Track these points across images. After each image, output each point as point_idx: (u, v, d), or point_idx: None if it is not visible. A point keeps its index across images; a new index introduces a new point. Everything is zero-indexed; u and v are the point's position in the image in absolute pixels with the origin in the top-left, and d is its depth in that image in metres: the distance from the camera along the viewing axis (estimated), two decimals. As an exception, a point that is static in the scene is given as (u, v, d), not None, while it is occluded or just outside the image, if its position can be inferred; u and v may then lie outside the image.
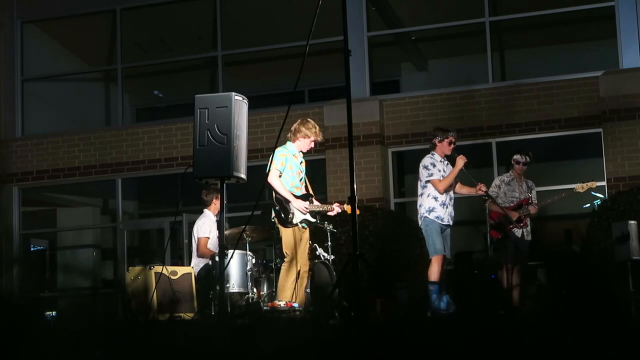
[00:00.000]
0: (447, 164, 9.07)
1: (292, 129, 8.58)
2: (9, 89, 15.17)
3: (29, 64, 15.44)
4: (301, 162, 8.55)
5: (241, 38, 15.09)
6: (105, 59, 15.86)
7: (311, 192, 8.63)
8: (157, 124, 14.69)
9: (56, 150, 14.77)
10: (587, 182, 9.46)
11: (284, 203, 8.31)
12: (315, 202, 8.59)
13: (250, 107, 6.46)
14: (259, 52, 15.18)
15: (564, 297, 3.32)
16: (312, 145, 8.58)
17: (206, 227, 9.74)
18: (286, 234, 8.36)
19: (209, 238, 9.70)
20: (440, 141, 9.06)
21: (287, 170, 8.41)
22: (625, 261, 9.76)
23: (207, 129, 6.19)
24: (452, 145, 9.04)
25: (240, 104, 6.32)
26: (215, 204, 9.77)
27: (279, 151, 8.35)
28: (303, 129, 8.49)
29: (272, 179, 8.25)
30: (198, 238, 9.74)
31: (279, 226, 8.40)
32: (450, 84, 13.66)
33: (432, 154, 9.07)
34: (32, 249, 16.07)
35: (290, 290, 8.29)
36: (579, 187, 9.46)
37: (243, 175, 6.33)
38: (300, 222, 8.38)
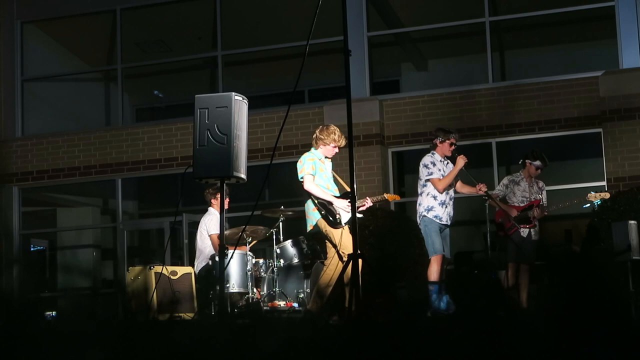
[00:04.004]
0: (448, 163, 9.07)
1: (314, 136, 8.41)
2: (9, 89, 15.17)
3: (29, 64, 15.43)
4: (327, 165, 8.27)
5: (241, 38, 15.08)
6: (105, 59, 15.86)
7: (347, 188, 8.26)
8: (157, 124, 14.69)
9: (56, 150, 14.76)
10: (601, 192, 9.91)
11: (327, 206, 8.10)
12: None
13: (250, 107, 6.45)
14: (259, 52, 15.18)
15: (564, 297, 3.32)
16: (336, 150, 8.31)
17: (214, 224, 9.72)
18: (338, 235, 8.08)
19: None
20: (441, 142, 9.06)
21: (319, 173, 8.20)
22: (625, 261, 9.76)
23: (207, 129, 6.18)
24: (453, 147, 9.05)
25: (240, 104, 6.31)
26: (217, 204, 9.78)
27: (305, 157, 8.17)
28: (322, 136, 8.28)
29: (309, 184, 8.04)
30: (210, 235, 9.72)
31: (330, 229, 8.10)
32: (450, 84, 13.65)
33: (433, 154, 9.07)
34: (32, 249, 16.07)
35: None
36: (592, 196, 9.72)
37: (243, 175, 6.34)
38: (347, 222, 8.12)
